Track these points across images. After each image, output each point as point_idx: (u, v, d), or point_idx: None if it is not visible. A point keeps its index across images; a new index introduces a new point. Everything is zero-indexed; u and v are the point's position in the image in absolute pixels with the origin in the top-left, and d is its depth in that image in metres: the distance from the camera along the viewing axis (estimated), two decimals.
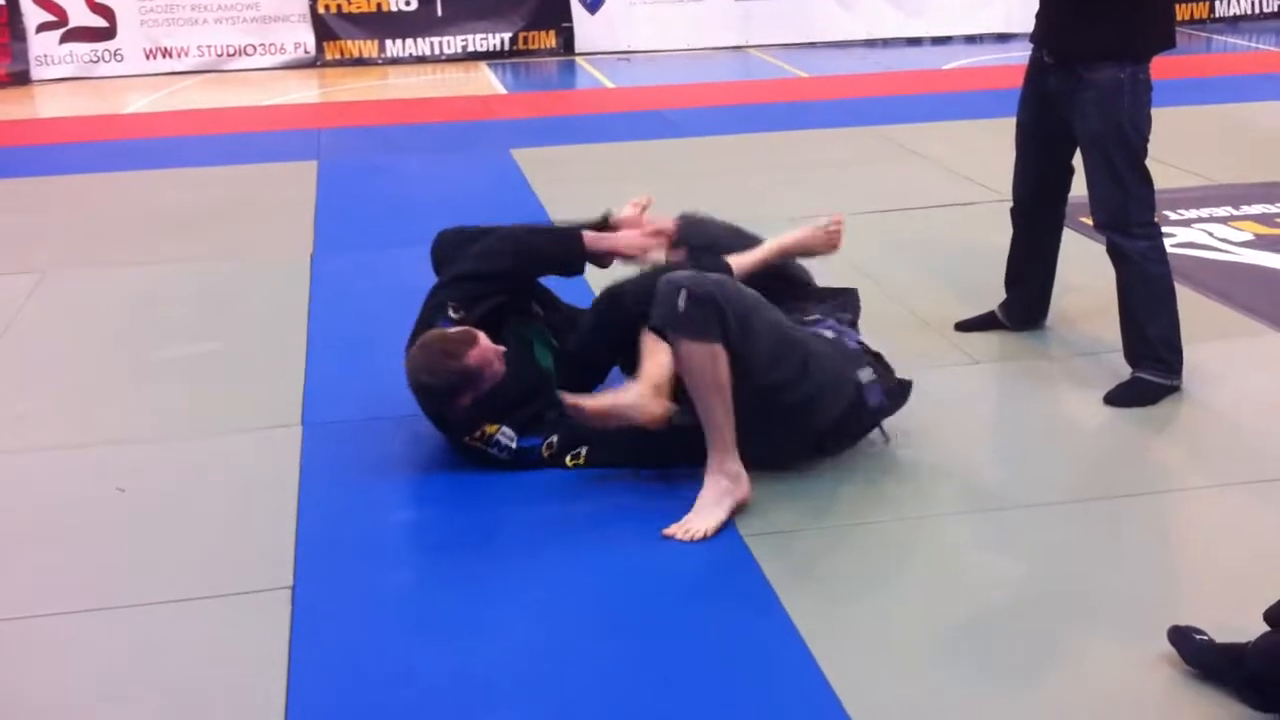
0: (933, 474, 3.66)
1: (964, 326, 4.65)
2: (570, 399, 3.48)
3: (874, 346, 3.75)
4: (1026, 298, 4.60)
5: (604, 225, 4.10)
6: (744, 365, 3.33)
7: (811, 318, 3.73)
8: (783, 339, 3.44)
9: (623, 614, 3.03)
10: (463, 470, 3.69)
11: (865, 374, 3.59)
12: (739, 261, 3.87)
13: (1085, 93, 3.98)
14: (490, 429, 3.65)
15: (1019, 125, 4.33)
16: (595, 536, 3.37)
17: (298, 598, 3.10)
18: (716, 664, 2.82)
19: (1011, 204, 4.51)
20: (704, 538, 3.28)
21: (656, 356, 3.52)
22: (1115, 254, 4.10)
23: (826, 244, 4.02)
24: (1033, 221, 4.48)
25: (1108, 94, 3.95)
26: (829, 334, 3.64)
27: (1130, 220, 4.03)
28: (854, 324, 3.83)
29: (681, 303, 3.27)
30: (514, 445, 3.65)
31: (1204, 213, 6.06)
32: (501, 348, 3.69)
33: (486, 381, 3.63)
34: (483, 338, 3.64)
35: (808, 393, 3.46)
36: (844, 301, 3.92)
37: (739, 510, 3.38)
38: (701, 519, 3.32)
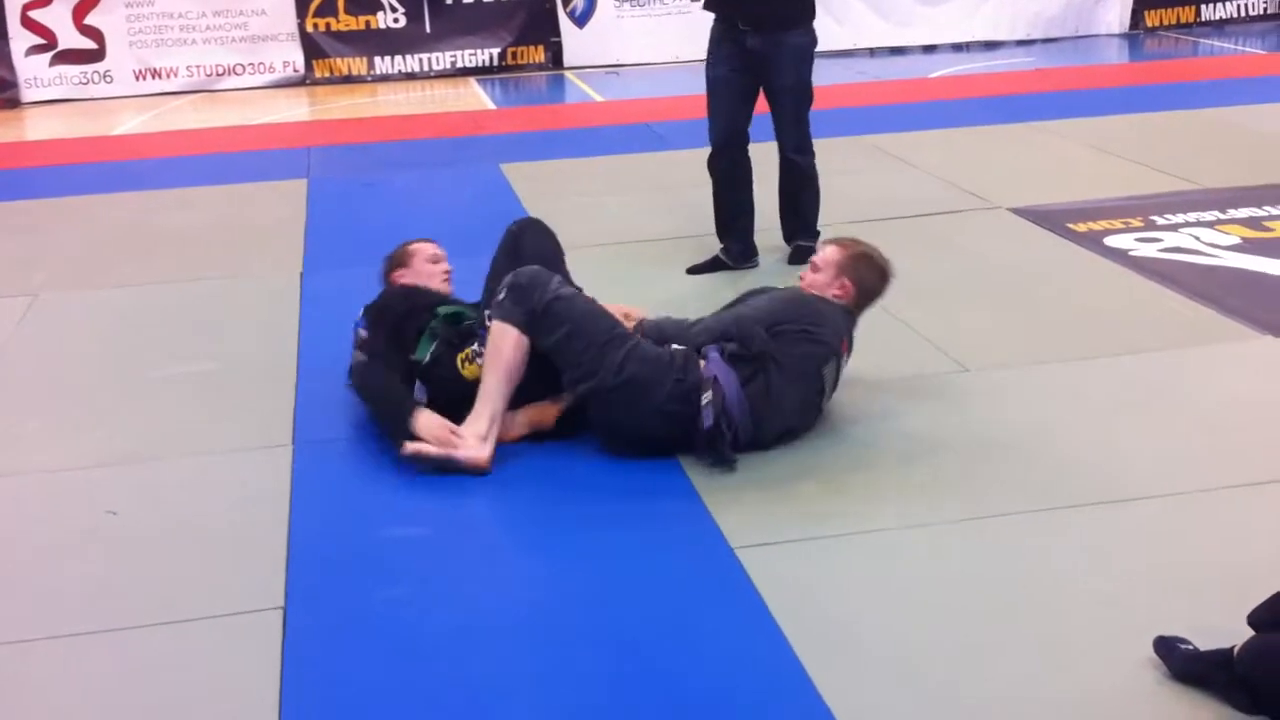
0: (920, 483, 3.68)
1: (694, 270, 5.56)
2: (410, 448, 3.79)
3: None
4: (744, 237, 5.60)
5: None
6: (550, 350, 3.80)
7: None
8: (591, 330, 3.77)
9: (615, 630, 3.04)
10: (453, 488, 3.71)
11: (705, 396, 3.68)
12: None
13: (783, 53, 5.27)
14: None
15: (717, 80, 5.38)
16: (586, 553, 3.39)
17: (289, 618, 3.10)
18: (710, 678, 2.83)
19: (711, 153, 5.50)
20: (414, 455, 3.75)
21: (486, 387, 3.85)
22: (792, 167, 5.55)
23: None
24: (732, 166, 5.52)
25: (802, 53, 5.35)
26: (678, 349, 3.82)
27: (806, 147, 5.55)
28: (739, 356, 3.77)
29: (501, 291, 3.87)
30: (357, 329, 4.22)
31: (1191, 217, 6.07)
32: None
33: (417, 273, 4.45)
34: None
35: (619, 382, 3.71)
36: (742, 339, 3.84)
37: (465, 467, 3.72)
38: (428, 448, 3.74)
